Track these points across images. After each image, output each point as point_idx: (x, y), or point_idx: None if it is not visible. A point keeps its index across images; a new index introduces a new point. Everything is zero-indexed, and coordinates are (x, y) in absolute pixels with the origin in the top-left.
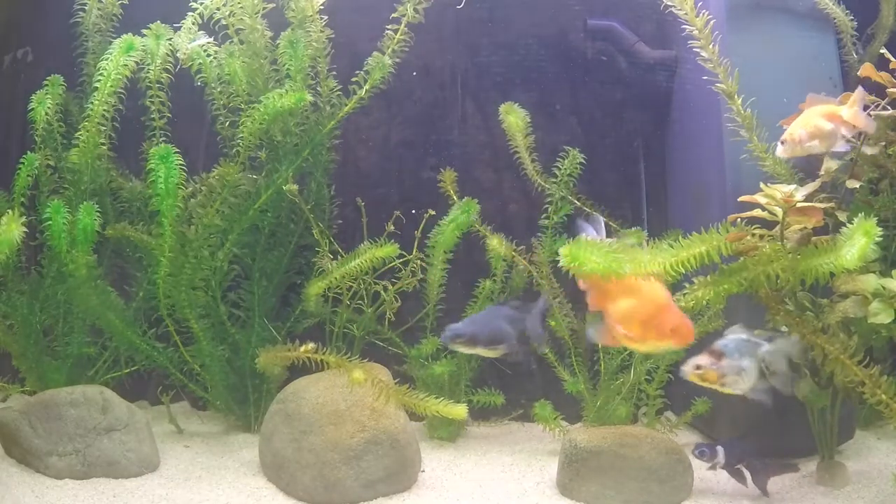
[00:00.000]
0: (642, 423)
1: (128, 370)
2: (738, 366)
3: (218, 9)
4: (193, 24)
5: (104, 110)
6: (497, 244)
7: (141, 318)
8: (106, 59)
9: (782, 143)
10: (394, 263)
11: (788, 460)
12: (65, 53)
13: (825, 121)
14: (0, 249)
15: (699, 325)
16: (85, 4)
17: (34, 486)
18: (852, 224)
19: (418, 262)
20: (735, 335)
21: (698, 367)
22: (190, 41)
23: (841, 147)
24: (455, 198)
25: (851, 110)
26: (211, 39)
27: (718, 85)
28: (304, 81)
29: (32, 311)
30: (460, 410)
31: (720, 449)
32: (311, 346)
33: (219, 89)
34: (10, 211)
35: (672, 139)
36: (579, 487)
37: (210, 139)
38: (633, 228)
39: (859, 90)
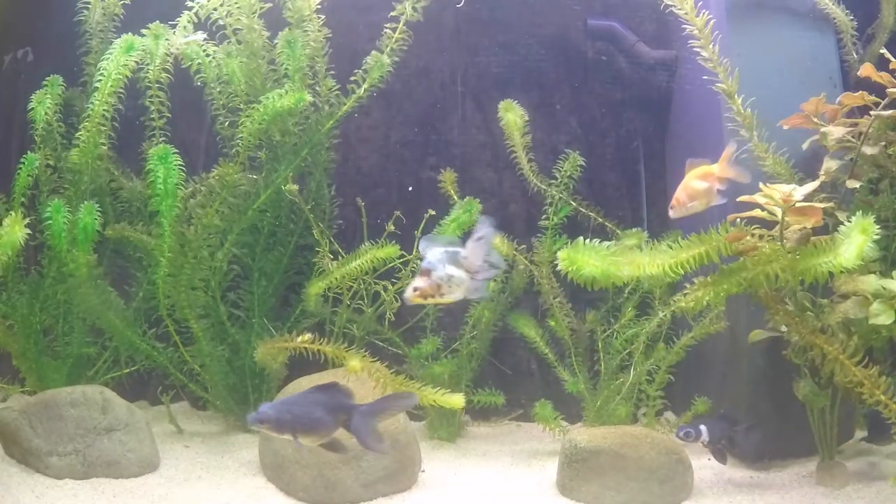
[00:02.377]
0: (642, 423)
1: (128, 370)
2: (447, 275)
3: (215, 9)
4: (189, 22)
5: (104, 110)
6: (499, 243)
7: (141, 318)
8: (106, 59)
9: (671, 207)
10: (394, 263)
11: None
12: (67, 53)
13: (700, 181)
14: (3, 251)
15: (700, 326)
16: (88, 4)
17: (34, 486)
18: (850, 222)
19: (418, 262)
20: (434, 251)
21: (416, 289)
22: (184, 37)
23: (719, 200)
24: (456, 197)
25: (721, 166)
26: (205, 35)
27: (718, 85)
28: (303, 81)
29: (32, 311)
30: (457, 400)
31: (703, 428)
32: (307, 336)
33: (218, 89)
34: (12, 212)
35: (672, 139)
36: (579, 487)
37: (210, 139)
38: (633, 229)
39: (730, 146)
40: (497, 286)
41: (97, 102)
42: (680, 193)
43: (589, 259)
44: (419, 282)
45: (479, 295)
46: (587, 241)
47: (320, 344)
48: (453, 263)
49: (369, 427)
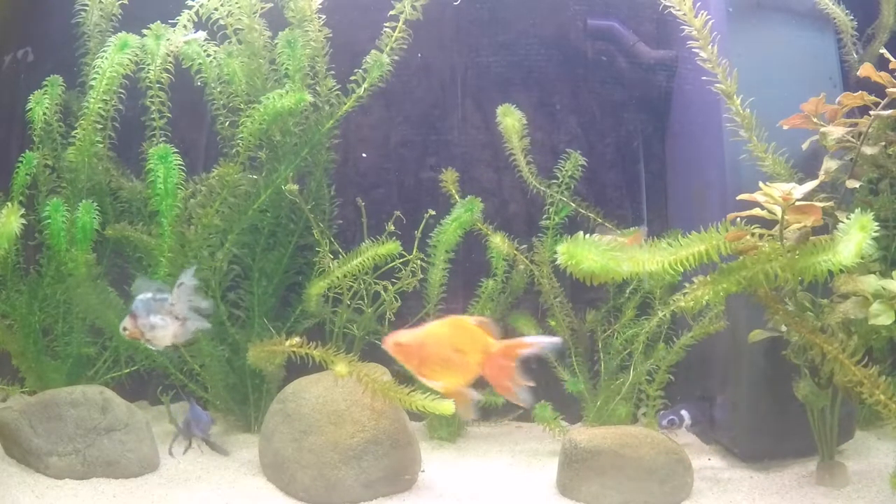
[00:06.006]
0: (642, 423)
1: (128, 370)
2: (150, 323)
3: (216, 8)
4: (189, 21)
5: (100, 108)
6: (500, 242)
7: None
8: (101, 58)
9: None
10: (394, 264)
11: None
12: (67, 53)
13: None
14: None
15: (700, 326)
16: (86, 4)
17: (34, 486)
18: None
19: (418, 261)
20: (143, 295)
21: (125, 329)
22: (183, 35)
23: None
24: (457, 197)
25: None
26: (204, 33)
27: (717, 85)
28: (303, 81)
29: (31, 311)
30: (447, 406)
31: (685, 413)
32: (296, 340)
33: (218, 89)
34: (8, 204)
35: (672, 139)
36: (579, 487)
37: (210, 139)
38: (633, 228)
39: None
40: (497, 286)
41: (93, 101)
42: None
43: (588, 253)
44: (128, 322)
45: (186, 339)
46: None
47: (310, 347)
48: (160, 310)
49: None
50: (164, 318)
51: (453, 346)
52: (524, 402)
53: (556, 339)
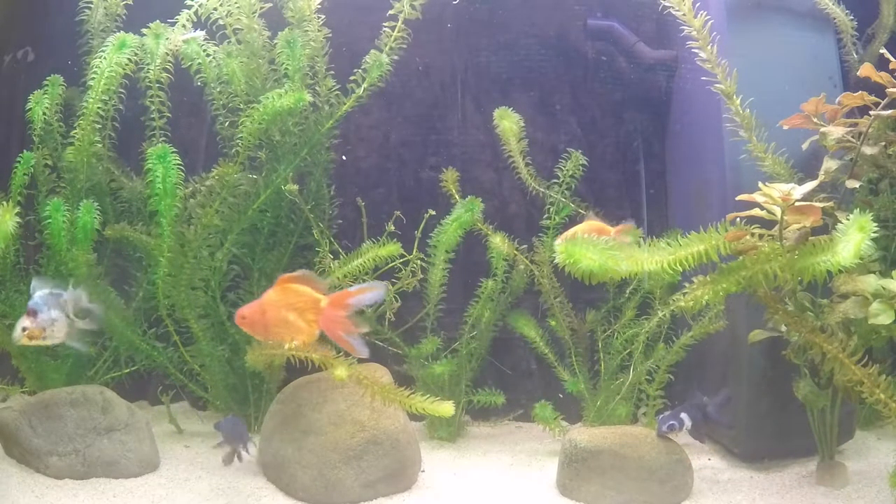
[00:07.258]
0: (642, 423)
1: (128, 370)
2: (50, 318)
3: (215, 8)
4: (188, 20)
5: (99, 108)
6: (500, 242)
7: (141, 318)
8: (100, 58)
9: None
10: (394, 264)
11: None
12: (68, 53)
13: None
14: None
15: (700, 325)
16: (90, 4)
17: (34, 486)
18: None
19: (418, 261)
20: (40, 291)
21: (24, 329)
22: (182, 34)
23: None
24: (457, 196)
25: (616, 233)
26: (203, 32)
27: (717, 85)
28: (302, 81)
29: None
30: (446, 408)
31: (685, 416)
32: (294, 343)
33: (218, 89)
34: (3, 202)
35: (672, 139)
36: (579, 487)
37: (210, 139)
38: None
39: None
40: (497, 286)
41: (91, 100)
42: (569, 234)
43: (587, 252)
44: (26, 322)
45: (79, 345)
46: None
47: (308, 350)
48: (57, 306)
49: None
50: (61, 314)
51: (289, 307)
52: (361, 352)
53: (380, 285)
